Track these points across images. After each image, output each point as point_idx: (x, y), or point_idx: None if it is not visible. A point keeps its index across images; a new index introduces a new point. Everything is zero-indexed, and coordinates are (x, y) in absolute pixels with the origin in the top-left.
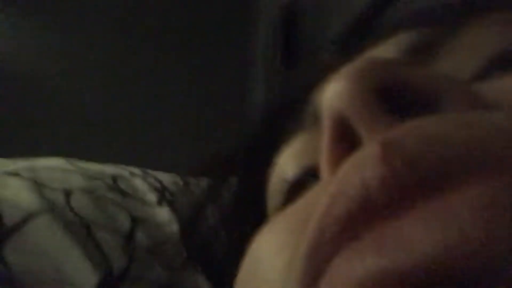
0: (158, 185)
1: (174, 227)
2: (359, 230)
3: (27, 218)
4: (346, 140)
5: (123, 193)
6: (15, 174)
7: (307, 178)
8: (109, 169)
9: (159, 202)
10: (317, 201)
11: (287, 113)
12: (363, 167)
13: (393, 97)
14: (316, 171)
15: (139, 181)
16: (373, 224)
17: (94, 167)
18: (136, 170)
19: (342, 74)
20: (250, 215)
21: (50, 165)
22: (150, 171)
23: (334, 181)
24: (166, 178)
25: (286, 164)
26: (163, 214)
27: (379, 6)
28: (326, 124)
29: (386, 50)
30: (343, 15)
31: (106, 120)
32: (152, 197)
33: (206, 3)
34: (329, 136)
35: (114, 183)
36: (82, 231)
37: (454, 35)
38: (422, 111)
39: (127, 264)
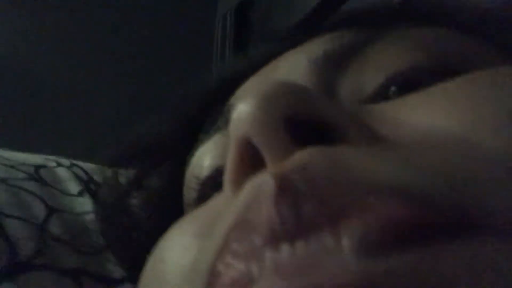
0: (83, 175)
1: (93, 216)
2: (256, 254)
3: None
4: (250, 160)
5: (43, 183)
6: None
7: (218, 178)
8: (34, 159)
9: (81, 192)
10: (220, 214)
11: (208, 109)
12: (261, 199)
13: (297, 124)
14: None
15: (63, 172)
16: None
17: (18, 157)
18: (64, 161)
19: (251, 96)
20: (171, 208)
21: None
22: (79, 162)
23: (235, 207)
24: (94, 168)
25: (200, 162)
26: (83, 203)
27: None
28: (232, 144)
29: (300, 58)
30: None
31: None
32: (74, 187)
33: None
34: (233, 157)
35: (36, 172)
36: None
37: (366, 45)
38: (322, 139)
39: (35, 252)
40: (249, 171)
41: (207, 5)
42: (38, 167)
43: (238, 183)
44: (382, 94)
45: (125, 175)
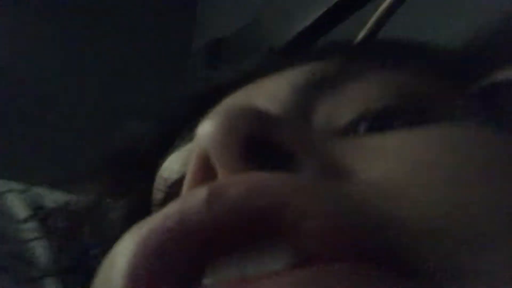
0: (35, 201)
1: (38, 242)
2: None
3: None
4: (207, 173)
5: None
6: None
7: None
8: None
9: (26, 219)
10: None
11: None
12: (188, 208)
13: (255, 146)
14: None
15: (12, 197)
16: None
17: None
18: (17, 186)
19: (215, 114)
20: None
21: None
22: (34, 187)
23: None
24: (49, 195)
25: (171, 165)
26: (29, 230)
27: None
28: (194, 157)
29: (283, 82)
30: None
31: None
32: (20, 212)
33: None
34: (192, 169)
35: None
36: None
37: (345, 78)
38: (281, 164)
39: None
40: (205, 182)
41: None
42: None
43: None
44: (353, 129)
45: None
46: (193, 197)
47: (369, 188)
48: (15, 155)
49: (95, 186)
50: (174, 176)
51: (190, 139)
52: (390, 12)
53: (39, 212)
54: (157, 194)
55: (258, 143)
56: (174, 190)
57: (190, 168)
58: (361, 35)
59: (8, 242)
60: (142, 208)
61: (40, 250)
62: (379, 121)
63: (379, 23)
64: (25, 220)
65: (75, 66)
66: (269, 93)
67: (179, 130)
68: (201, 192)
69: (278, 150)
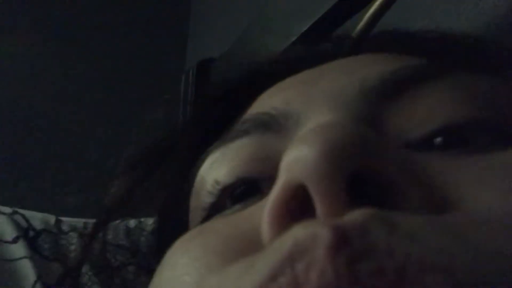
0: (23, 222)
1: (26, 262)
2: None
3: None
4: (297, 205)
5: None
6: None
7: (237, 189)
8: None
9: (16, 239)
10: (252, 243)
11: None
12: (314, 249)
13: (363, 182)
14: (253, 183)
15: (1, 219)
16: None
17: None
18: (6, 209)
19: (315, 140)
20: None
21: None
22: (22, 211)
23: (281, 249)
24: (37, 217)
25: (220, 166)
26: (16, 250)
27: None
28: (282, 183)
29: (350, 81)
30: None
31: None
32: (8, 234)
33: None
34: (280, 196)
35: None
36: None
37: (423, 82)
38: (379, 197)
39: None
40: (294, 215)
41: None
42: None
43: (281, 224)
44: (428, 143)
45: (67, 223)
46: (314, 239)
47: (484, 223)
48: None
49: (122, 184)
50: (228, 179)
51: (243, 133)
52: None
53: (29, 233)
54: (205, 197)
55: (365, 178)
56: (227, 193)
57: (276, 193)
58: (359, 27)
59: None
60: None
61: (28, 268)
62: (462, 136)
63: (377, 16)
64: (14, 240)
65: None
66: (332, 93)
67: (210, 130)
68: (324, 233)
69: (382, 183)
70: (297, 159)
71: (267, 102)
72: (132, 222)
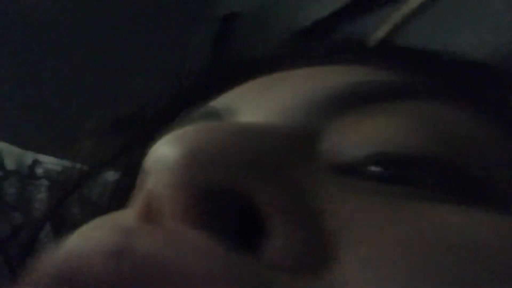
0: None
1: None
2: None
3: None
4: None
5: None
6: None
7: None
8: None
9: None
10: None
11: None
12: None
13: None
14: None
15: None
16: None
17: None
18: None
19: (176, 145)
20: None
21: None
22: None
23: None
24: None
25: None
26: None
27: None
28: (144, 188)
29: (301, 90)
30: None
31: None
32: None
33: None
34: (140, 203)
35: None
36: None
37: (374, 97)
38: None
39: None
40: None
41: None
42: None
43: (145, 216)
44: (358, 170)
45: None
46: (98, 244)
47: None
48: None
49: (91, 149)
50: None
51: (198, 117)
52: (415, 13)
53: None
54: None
55: (223, 199)
56: None
57: (138, 200)
58: (378, 34)
59: None
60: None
61: None
62: (396, 169)
63: (400, 24)
64: None
65: (85, 18)
66: (284, 102)
67: (184, 103)
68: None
69: (250, 210)
70: (157, 160)
71: (227, 96)
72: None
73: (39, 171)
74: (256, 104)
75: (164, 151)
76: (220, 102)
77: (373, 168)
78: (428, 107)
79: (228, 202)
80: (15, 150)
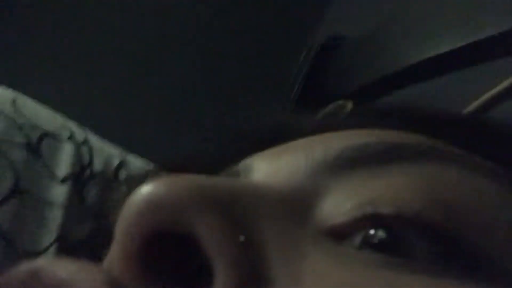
0: (86, 158)
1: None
2: None
3: None
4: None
5: (35, 156)
6: None
7: None
8: (51, 122)
9: (65, 179)
10: None
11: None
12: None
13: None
14: None
15: (68, 147)
16: None
17: (39, 115)
18: (80, 135)
19: (153, 182)
20: None
21: None
22: (95, 140)
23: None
24: (104, 152)
25: None
26: (59, 193)
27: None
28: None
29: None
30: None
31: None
32: (64, 170)
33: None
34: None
35: (38, 141)
36: None
37: (380, 160)
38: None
39: None
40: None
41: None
42: (44, 135)
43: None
44: (349, 236)
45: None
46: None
47: None
48: None
49: None
50: None
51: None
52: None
53: (82, 173)
54: None
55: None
56: None
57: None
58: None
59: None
60: None
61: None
62: (389, 233)
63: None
64: (63, 180)
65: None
66: (291, 163)
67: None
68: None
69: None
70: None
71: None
72: None
73: (123, 175)
74: (269, 163)
75: (137, 191)
76: (245, 161)
77: (366, 232)
78: (435, 169)
79: (174, 248)
80: (105, 148)
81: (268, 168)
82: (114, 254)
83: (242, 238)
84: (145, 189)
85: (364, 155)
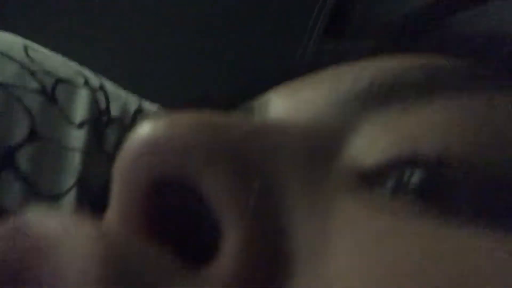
0: (102, 104)
1: (76, 154)
2: None
3: None
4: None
5: (51, 101)
6: None
7: None
8: (66, 69)
9: (82, 124)
10: None
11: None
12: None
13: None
14: None
15: (83, 94)
16: None
17: (53, 62)
18: (95, 81)
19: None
20: None
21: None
22: (110, 86)
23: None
24: (120, 98)
25: None
26: (77, 137)
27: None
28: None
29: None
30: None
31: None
32: (80, 114)
33: None
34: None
35: (53, 87)
36: None
37: (416, 91)
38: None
39: None
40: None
41: None
42: (59, 81)
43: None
44: (379, 180)
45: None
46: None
47: None
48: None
49: None
50: None
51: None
52: None
53: (99, 119)
54: None
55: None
56: None
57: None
58: None
59: (44, 146)
60: None
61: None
62: (429, 175)
63: None
64: (80, 125)
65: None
66: (317, 97)
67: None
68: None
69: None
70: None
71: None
72: None
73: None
74: (288, 98)
75: (138, 128)
76: (260, 97)
77: (402, 174)
78: (485, 103)
79: (180, 197)
80: (122, 94)
81: (287, 104)
82: (111, 207)
83: (256, 184)
84: (143, 129)
85: (401, 84)
